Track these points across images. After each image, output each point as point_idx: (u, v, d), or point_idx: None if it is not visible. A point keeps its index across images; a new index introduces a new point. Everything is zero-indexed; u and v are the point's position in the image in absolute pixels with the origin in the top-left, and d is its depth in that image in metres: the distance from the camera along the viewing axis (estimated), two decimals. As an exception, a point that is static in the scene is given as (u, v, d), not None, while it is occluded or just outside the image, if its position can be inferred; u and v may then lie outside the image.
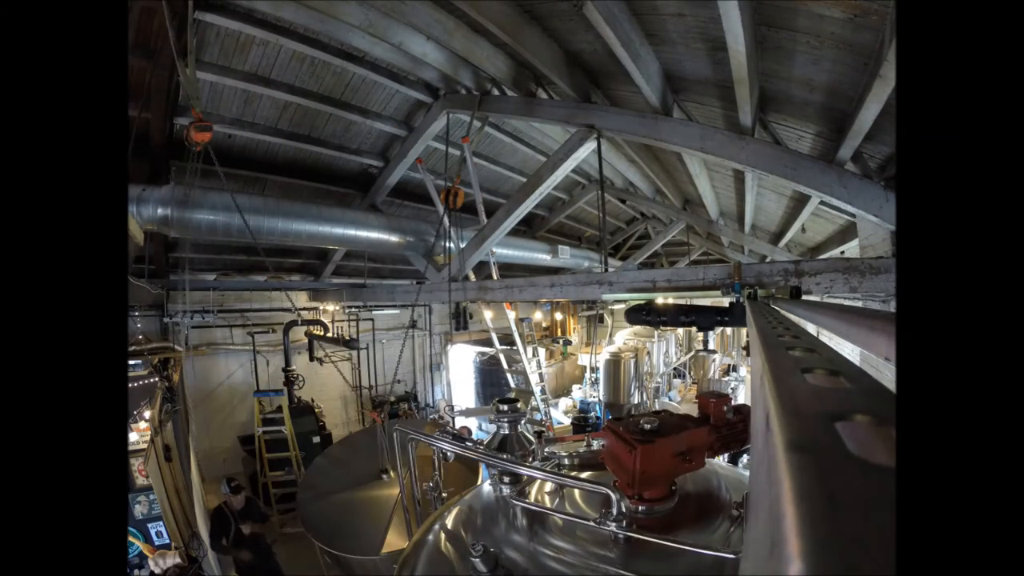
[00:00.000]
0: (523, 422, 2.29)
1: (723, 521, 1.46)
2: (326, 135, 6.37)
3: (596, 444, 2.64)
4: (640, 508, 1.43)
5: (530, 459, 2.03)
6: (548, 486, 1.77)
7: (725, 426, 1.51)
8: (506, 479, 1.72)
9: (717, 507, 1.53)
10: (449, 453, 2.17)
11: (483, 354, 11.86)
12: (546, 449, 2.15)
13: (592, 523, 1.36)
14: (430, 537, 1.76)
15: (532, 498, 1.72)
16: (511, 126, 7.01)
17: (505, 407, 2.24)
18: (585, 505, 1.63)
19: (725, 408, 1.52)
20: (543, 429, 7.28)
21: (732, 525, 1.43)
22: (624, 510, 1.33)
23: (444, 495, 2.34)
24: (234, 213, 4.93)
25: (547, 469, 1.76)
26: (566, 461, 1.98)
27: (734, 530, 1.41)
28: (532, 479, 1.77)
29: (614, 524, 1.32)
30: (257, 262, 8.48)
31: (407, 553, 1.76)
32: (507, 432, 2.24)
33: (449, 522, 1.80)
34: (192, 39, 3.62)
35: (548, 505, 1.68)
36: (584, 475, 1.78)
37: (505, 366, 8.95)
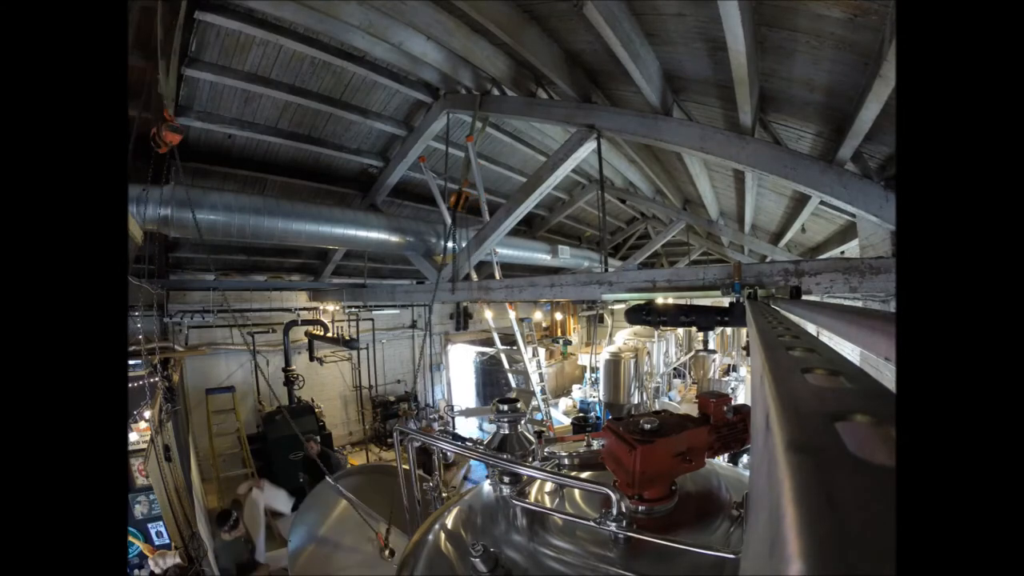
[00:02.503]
0: (523, 422, 2.28)
1: (723, 521, 1.46)
2: (326, 135, 6.37)
3: (596, 444, 2.65)
4: (640, 508, 1.43)
5: (530, 459, 2.04)
6: (548, 486, 1.77)
7: (725, 426, 1.51)
8: (506, 479, 1.72)
9: (717, 507, 1.53)
10: (449, 453, 2.17)
11: (483, 354, 11.86)
12: (546, 449, 2.15)
13: (592, 523, 1.36)
14: (430, 537, 1.76)
15: (532, 498, 1.73)
16: (511, 126, 7.01)
17: (505, 407, 2.24)
18: (585, 505, 1.63)
19: (725, 408, 1.52)
20: (543, 429, 7.28)
21: (732, 525, 1.43)
22: (624, 510, 1.33)
23: (444, 495, 2.34)
24: (234, 213, 4.94)
25: (547, 469, 1.76)
26: (566, 461, 1.98)
27: (734, 530, 1.41)
28: (532, 479, 1.77)
29: (614, 524, 1.32)
30: (257, 262, 8.48)
31: (407, 553, 1.76)
32: (507, 432, 2.23)
33: (449, 522, 1.80)
34: (178, 41, 3.60)
35: (548, 505, 1.68)
36: (584, 475, 1.79)
37: (506, 366, 8.95)
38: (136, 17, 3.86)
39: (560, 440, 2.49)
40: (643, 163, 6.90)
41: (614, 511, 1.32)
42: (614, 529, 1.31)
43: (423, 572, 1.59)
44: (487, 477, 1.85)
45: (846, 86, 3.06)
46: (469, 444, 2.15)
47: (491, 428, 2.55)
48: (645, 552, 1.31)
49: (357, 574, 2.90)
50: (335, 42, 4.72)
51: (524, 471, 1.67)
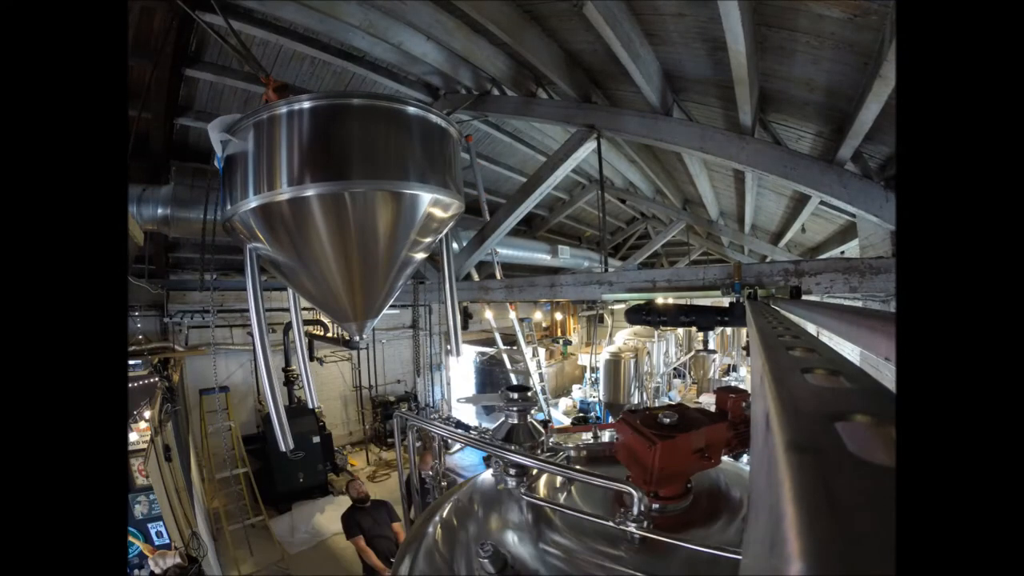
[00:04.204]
0: (533, 411, 2.24)
1: (736, 520, 1.43)
2: (326, 135, 6.35)
3: (605, 436, 2.61)
4: (655, 506, 1.40)
5: (538, 451, 1.99)
6: (555, 479, 1.74)
7: (743, 422, 1.48)
8: (512, 471, 1.65)
9: (728, 506, 1.51)
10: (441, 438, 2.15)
11: (483, 354, 11.85)
12: (551, 440, 2.10)
13: (611, 523, 1.32)
14: (429, 530, 1.74)
15: (538, 491, 1.70)
16: (511, 126, 7.01)
17: (515, 395, 2.18)
18: (580, 498, 1.61)
19: (744, 404, 1.49)
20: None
21: (745, 525, 1.41)
22: (644, 509, 1.28)
23: (444, 484, 2.33)
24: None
25: (555, 462, 1.72)
26: (572, 453, 1.94)
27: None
28: (540, 472, 1.72)
29: (633, 524, 1.27)
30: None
31: (405, 544, 1.74)
32: (516, 422, 2.16)
33: (450, 515, 1.78)
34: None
35: (551, 498, 1.65)
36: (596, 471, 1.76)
37: (507, 366, 8.95)
38: (136, 17, 3.86)
39: (565, 431, 2.47)
40: (643, 163, 6.90)
41: (635, 510, 1.28)
42: (633, 529, 1.27)
43: (423, 570, 1.57)
44: (491, 468, 1.80)
45: (846, 86, 3.05)
46: (473, 433, 2.10)
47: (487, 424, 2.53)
48: (657, 552, 1.28)
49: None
50: (335, 42, 4.72)
51: (534, 464, 1.60)
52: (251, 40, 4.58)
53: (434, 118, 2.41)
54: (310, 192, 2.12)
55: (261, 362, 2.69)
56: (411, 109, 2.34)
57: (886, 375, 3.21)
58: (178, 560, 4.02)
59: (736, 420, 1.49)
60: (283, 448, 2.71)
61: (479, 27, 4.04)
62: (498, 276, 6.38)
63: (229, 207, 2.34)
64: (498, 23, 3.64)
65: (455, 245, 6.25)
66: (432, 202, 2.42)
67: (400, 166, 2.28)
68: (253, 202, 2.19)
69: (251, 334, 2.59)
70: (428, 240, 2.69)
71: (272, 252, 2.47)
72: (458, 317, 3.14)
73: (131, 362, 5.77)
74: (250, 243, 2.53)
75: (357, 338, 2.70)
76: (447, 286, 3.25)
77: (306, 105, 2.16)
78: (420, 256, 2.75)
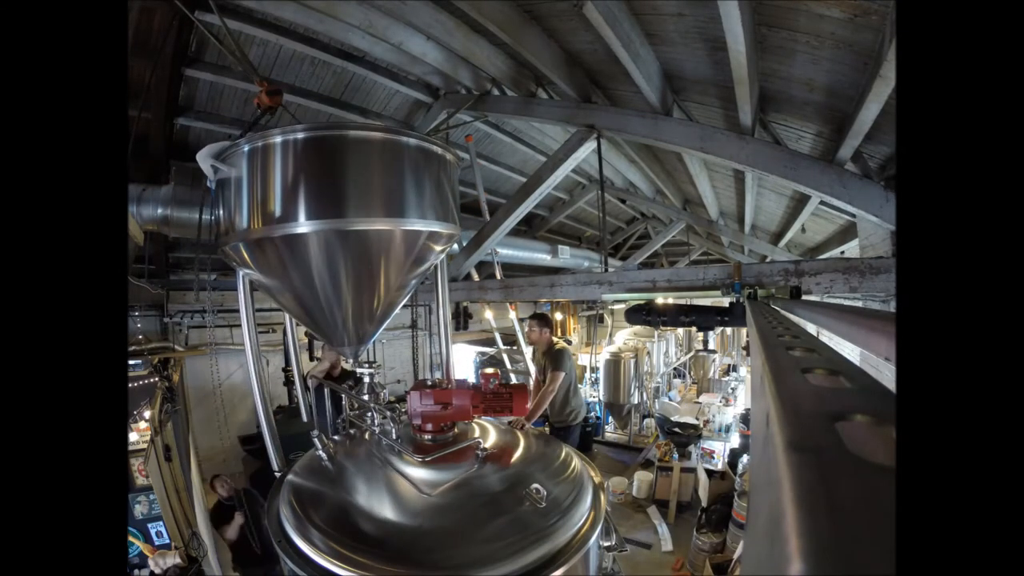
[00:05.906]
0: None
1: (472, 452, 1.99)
2: (326, 135, 6.35)
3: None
4: (427, 437, 2.17)
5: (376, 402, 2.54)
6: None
7: (491, 394, 2.15)
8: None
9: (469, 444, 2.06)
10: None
11: (483, 354, 11.83)
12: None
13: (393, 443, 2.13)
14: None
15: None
16: (511, 126, 7.01)
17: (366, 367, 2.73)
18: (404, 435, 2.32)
19: (493, 381, 2.21)
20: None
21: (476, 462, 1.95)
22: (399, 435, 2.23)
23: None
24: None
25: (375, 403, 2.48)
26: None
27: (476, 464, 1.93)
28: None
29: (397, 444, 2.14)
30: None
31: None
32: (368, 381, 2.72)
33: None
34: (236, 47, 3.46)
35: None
36: None
37: (508, 365, 8.95)
38: (136, 17, 3.86)
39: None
40: (643, 163, 6.89)
41: (393, 435, 2.17)
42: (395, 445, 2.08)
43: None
44: None
45: (846, 86, 3.05)
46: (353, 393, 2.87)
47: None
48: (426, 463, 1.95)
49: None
50: (335, 42, 4.72)
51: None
52: (251, 40, 4.58)
53: (429, 146, 2.38)
54: (304, 229, 2.07)
55: (257, 394, 2.79)
56: (409, 140, 2.30)
57: (886, 375, 3.21)
58: (178, 560, 4.02)
59: (485, 391, 2.15)
60: (275, 468, 2.74)
61: (479, 27, 4.04)
62: (498, 276, 6.37)
63: (220, 235, 2.32)
64: (498, 23, 3.64)
65: (455, 245, 6.24)
66: (429, 235, 2.40)
67: (397, 201, 2.23)
68: (244, 235, 2.16)
69: (245, 364, 2.70)
70: (424, 268, 2.70)
71: (264, 280, 2.45)
72: (451, 344, 3.29)
73: (131, 362, 5.77)
74: (242, 269, 2.53)
75: (350, 361, 2.86)
76: (440, 314, 3.35)
77: (300, 136, 2.10)
78: (415, 281, 2.75)
